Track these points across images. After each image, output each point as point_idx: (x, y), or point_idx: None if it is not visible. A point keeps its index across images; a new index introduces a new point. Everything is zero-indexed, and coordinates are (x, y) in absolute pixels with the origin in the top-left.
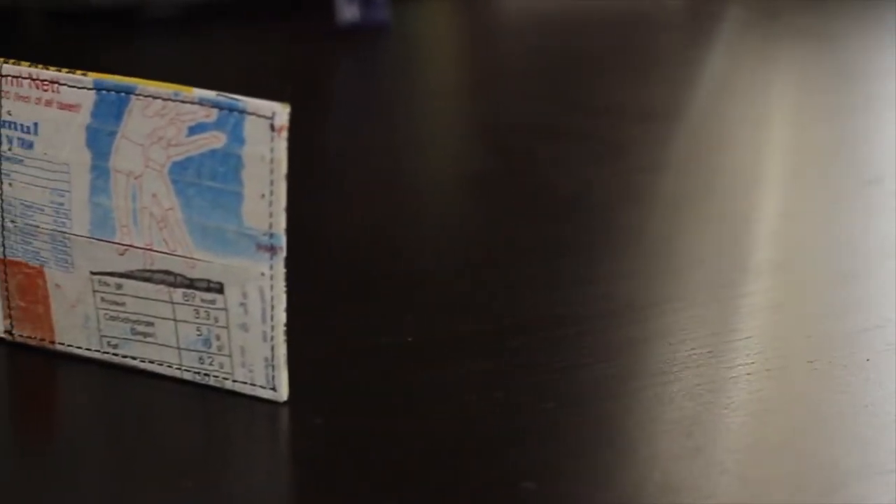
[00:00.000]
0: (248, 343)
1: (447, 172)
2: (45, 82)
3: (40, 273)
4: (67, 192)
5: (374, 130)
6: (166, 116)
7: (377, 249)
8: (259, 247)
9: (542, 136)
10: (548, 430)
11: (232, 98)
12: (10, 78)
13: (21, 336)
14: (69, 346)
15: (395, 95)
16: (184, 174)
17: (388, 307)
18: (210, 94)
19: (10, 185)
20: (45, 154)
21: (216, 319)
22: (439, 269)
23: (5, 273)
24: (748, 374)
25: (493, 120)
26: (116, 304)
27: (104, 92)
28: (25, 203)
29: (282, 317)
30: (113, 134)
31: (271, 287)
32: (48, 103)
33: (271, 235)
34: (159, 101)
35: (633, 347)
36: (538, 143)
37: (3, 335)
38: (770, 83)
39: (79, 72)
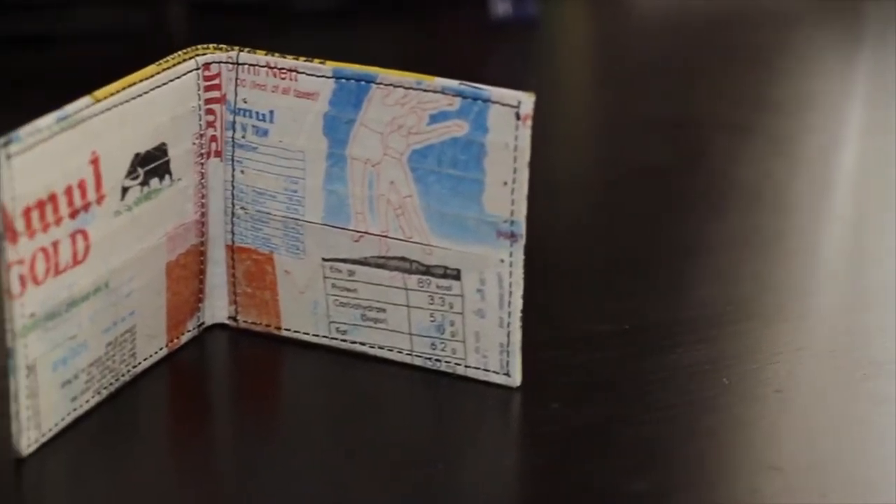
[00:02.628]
0: (484, 329)
1: (622, 164)
2: (283, 70)
3: (269, 259)
4: (302, 179)
5: (538, 124)
6: (407, 105)
7: (571, 239)
8: (499, 234)
9: (710, 129)
10: (779, 416)
11: (476, 87)
12: (246, 66)
13: (246, 322)
14: (295, 331)
15: (550, 89)
16: (423, 162)
17: (596, 295)
18: (453, 83)
19: (241, 172)
20: (281, 141)
21: (451, 305)
22: (639, 258)
23: (233, 259)
24: None
25: (656, 113)
26: (348, 290)
27: (343, 80)
28: (257, 190)
29: (519, 303)
30: (351, 122)
31: (510, 273)
32: (285, 91)
33: (512, 222)
34: (401, 89)
35: (855, 337)
36: (708, 137)
37: (227, 321)
38: None
39: (317, 60)
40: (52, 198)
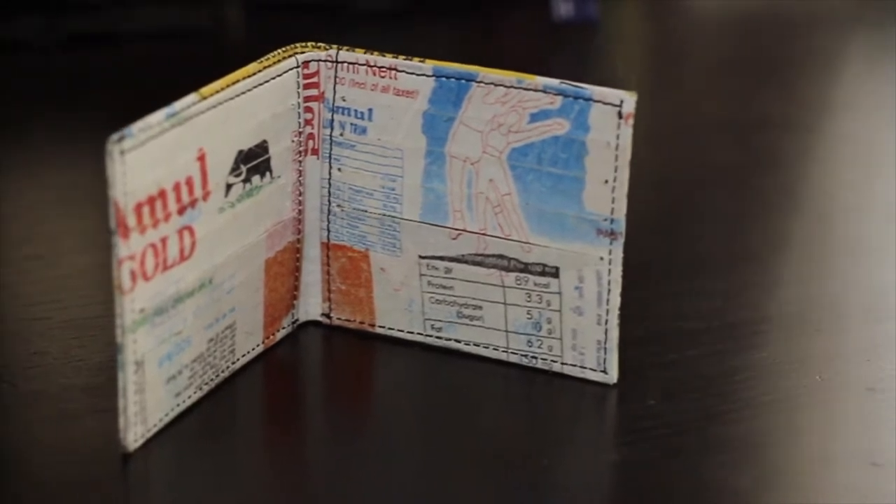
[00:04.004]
0: (581, 326)
1: (697, 165)
2: (383, 69)
3: (365, 257)
4: (400, 177)
5: None
6: (508, 103)
7: (652, 237)
8: (599, 231)
9: (780, 130)
10: (873, 413)
11: (577, 86)
12: (346, 64)
13: (339, 319)
14: (389, 328)
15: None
16: (523, 160)
17: (681, 293)
18: (554, 81)
19: (339, 169)
20: (379, 139)
21: (549, 303)
22: (722, 257)
23: (328, 256)
24: None
25: (724, 114)
26: (444, 287)
27: (443, 79)
28: (354, 188)
29: (617, 300)
30: (451, 120)
31: (609, 271)
32: (384, 89)
33: (612, 220)
34: (501, 88)
35: None
36: (778, 138)
37: (320, 318)
38: None
39: (416, 58)
40: (162, 194)
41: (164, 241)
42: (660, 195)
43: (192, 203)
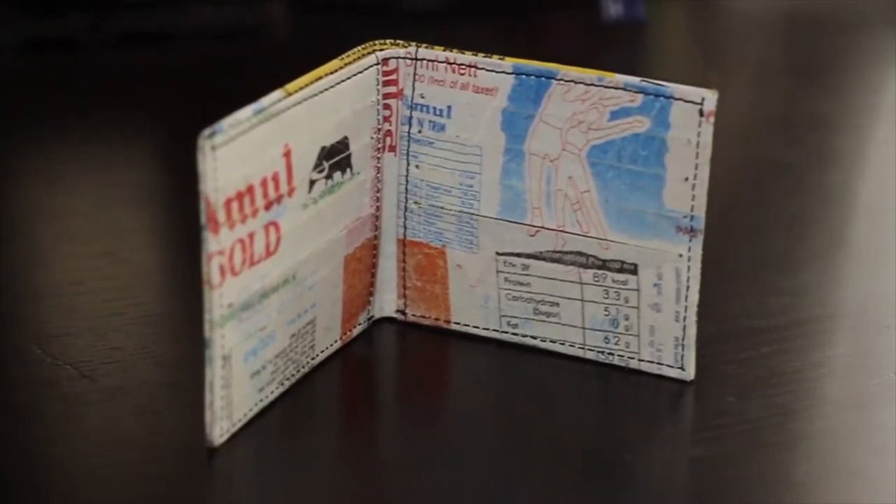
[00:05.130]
0: (659, 323)
1: (756, 163)
2: (463, 66)
3: (441, 253)
4: (478, 174)
5: None
6: (588, 101)
7: (718, 235)
8: (679, 229)
9: (833, 130)
10: None
11: (658, 84)
12: (425, 62)
13: (414, 315)
14: (465, 325)
15: None
16: (603, 157)
17: (750, 291)
18: (635, 79)
19: (416, 167)
20: (458, 137)
21: (626, 300)
22: (787, 255)
23: (404, 253)
24: None
25: (778, 113)
26: (521, 284)
27: (523, 76)
28: (432, 185)
29: (696, 297)
30: (530, 117)
31: (688, 268)
32: (464, 87)
33: (692, 217)
34: (581, 85)
35: None
36: (832, 138)
37: (395, 315)
38: None
39: (496, 56)
40: (250, 189)
41: (251, 236)
42: (721, 194)
43: (278, 199)
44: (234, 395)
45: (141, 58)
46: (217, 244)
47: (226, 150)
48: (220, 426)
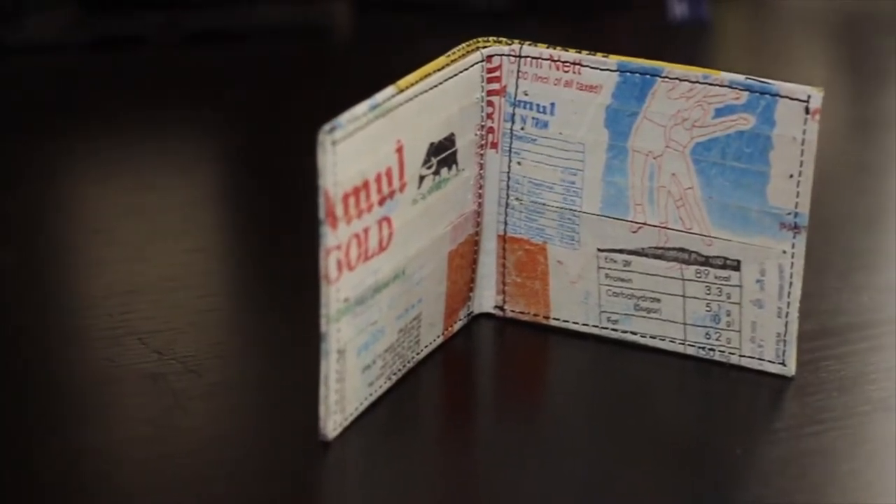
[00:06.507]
0: (761, 319)
1: (830, 163)
2: (567, 63)
3: (542, 250)
4: (580, 170)
5: None
6: (692, 99)
7: None
8: (783, 225)
9: None
10: None
11: (763, 81)
12: (529, 59)
13: (513, 311)
14: (564, 321)
15: None
16: (707, 155)
17: (837, 288)
18: (740, 77)
19: (518, 163)
20: (561, 133)
21: (728, 296)
22: (870, 254)
23: (504, 249)
24: None
25: (848, 113)
26: (622, 280)
27: (628, 74)
28: (534, 181)
29: (798, 293)
30: (634, 115)
31: (791, 265)
32: (567, 84)
33: (796, 214)
34: (686, 83)
35: None
36: None
37: (493, 310)
38: None
39: (600, 54)
40: (366, 185)
41: (366, 231)
42: None
43: (391, 194)
44: (346, 389)
45: (208, 57)
46: (335, 239)
47: (344, 146)
48: (334, 420)
